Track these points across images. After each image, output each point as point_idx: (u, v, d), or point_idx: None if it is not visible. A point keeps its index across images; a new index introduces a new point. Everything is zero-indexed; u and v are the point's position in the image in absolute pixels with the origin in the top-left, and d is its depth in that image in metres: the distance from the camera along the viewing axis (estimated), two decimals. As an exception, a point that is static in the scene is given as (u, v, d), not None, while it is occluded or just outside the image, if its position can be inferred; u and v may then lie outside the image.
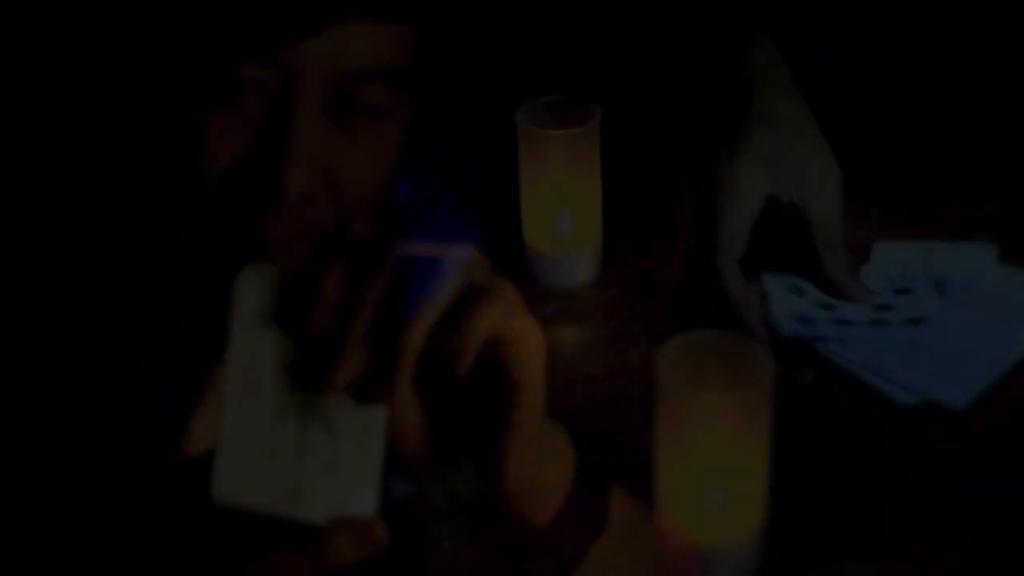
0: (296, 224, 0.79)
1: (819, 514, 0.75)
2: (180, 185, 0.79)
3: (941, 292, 0.90)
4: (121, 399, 0.73)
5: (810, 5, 1.06)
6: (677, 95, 1.02)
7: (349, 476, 0.62)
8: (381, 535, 0.63)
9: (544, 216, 0.94)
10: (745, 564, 0.71)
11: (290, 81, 0.76)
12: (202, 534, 0.61)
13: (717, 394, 0.66)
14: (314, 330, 0.61)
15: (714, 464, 0.68)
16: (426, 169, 1.04)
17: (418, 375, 0.63)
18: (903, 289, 0.91)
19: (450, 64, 0.93)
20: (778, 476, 0.70)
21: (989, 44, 1.06)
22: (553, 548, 0.74)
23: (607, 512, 0.73)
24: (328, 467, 0.62)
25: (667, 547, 0.71)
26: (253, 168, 0.76)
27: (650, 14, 1.03)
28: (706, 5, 0.99)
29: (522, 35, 1.02)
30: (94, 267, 0.79)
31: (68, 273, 0.78)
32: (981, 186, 1.02)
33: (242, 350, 0.61)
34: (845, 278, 0.90)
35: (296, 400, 0.61)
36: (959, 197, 1.01)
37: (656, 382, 0.68)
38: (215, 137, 0.77)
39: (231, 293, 0.62)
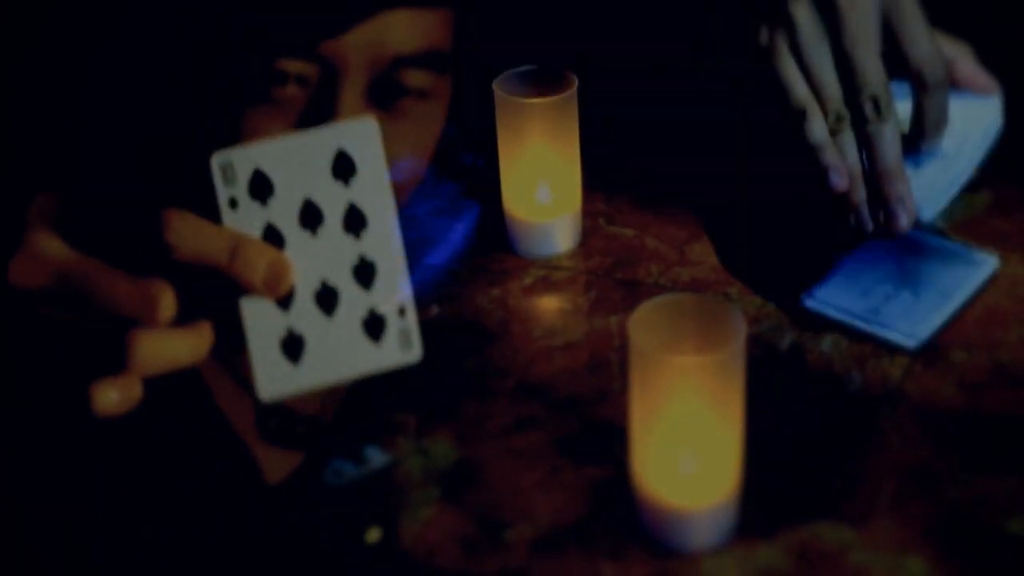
0: None
1: (794, 476, 0.75)
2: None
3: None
4: None
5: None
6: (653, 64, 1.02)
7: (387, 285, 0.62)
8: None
9: (523, 185, 0.94)
10: (720, 526, 0.71)
11: (332, 71, 0.76)
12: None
13: (690, 356, 0.66)
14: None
15: (688, 427, 0.68)
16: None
17: None
18: None
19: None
20: (753, 438, 0.70)
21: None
22: (529, 515, 0.74)
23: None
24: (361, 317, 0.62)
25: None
26: None
27: None
28: None
29: (499, 5, 1.02)
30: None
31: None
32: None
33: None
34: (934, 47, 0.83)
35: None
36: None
37: (629, 346, 0.67)
38: (257, 129, 0.77)
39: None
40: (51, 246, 0.59)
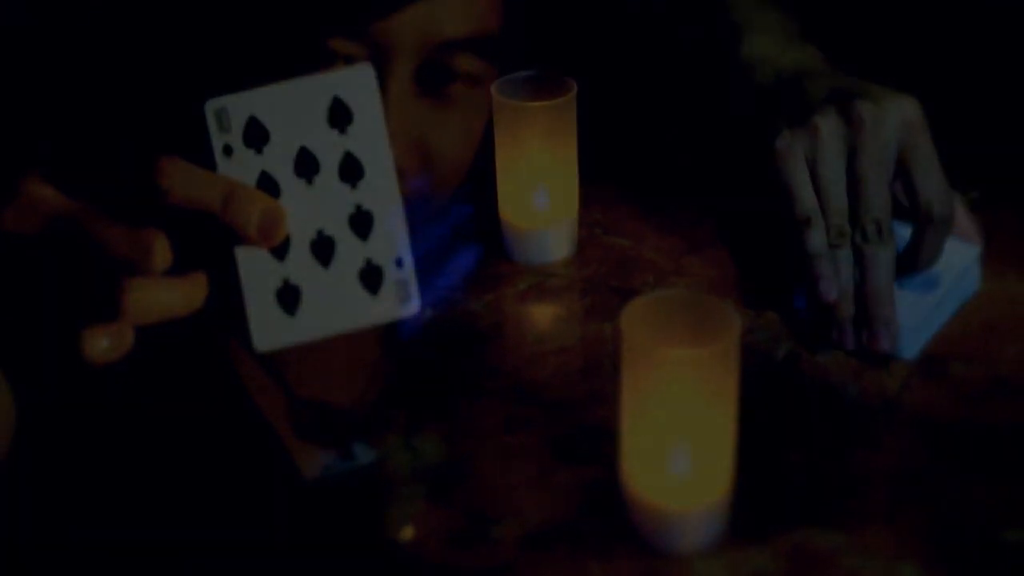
0: None
1: (788, 482, 0.74)
2: None
3: None
4: None
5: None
6: (655, 77, 1.02)
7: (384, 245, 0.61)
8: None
9: (520, 190, 0.93)
10: (711, 528, 0.69)
11: (381, 53, 0.75)
12: None
13: (681, 349, 0.65)
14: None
15: (679, 423, 0.67)
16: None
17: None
18: None
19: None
20: (747, 443, 0.69)
21: (968, 33, 1.06)
22: (517, 513, 0.73)
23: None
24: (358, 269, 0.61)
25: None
26: None
27: None
28: None
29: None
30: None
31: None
32: (965, 172, 1.01)
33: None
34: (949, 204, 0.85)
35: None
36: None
37: (620, 340, 0.66)
38: None
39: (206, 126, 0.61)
40: (44, 193, 0.58)
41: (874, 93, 0.87)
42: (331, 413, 0.86)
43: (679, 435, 0.67)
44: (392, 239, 0.60)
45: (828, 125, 0.85)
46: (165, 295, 0.57)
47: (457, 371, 0.84)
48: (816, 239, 0.85)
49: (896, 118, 0.85)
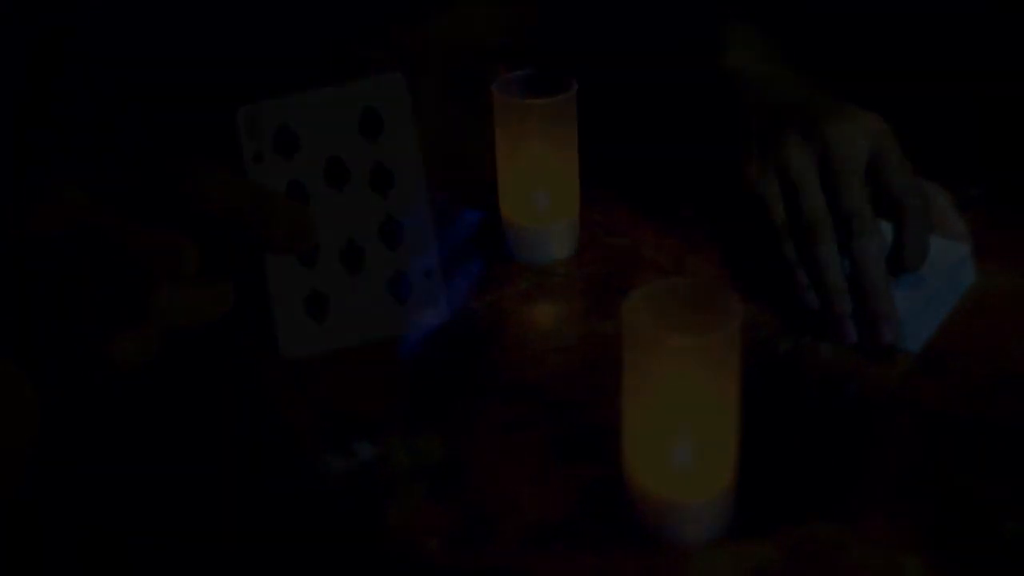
0: None
1: (791, 476, 0.73)
2: None
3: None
4: None
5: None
6: (655, 75, 1.02)
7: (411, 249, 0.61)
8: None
9: (521, 188, 0.93)
10: (714, 520, 0.69)
11: (411, 61, 0.75)
12: None
13: (683, 338, 0.65)
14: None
15: (682, 412, 0.66)
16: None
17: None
18: None
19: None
20: (750, 438, 0.69)
21: (968, 30, 1.05)
22: (517, 510, 0.72)
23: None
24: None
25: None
26: None
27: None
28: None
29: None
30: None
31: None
32: (965, 169, 1.01)
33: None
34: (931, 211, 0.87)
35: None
36: (942, 180, 1.00)
37: (622, 330, 0.66)
38: None
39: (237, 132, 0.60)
40: (73, 196, 0.58)
41: (843, 112, 0.89)
42: (343, 414, 0.86)
43: (682, 424, 0.67)
44: (421, 248, 0.60)
45: (796, 141, 0.88)
46: (193, 301, 0.57)
47: (458, 370, 0.84)
48: (790, 251, 0.86)
49: (864, 130, 0.87)
